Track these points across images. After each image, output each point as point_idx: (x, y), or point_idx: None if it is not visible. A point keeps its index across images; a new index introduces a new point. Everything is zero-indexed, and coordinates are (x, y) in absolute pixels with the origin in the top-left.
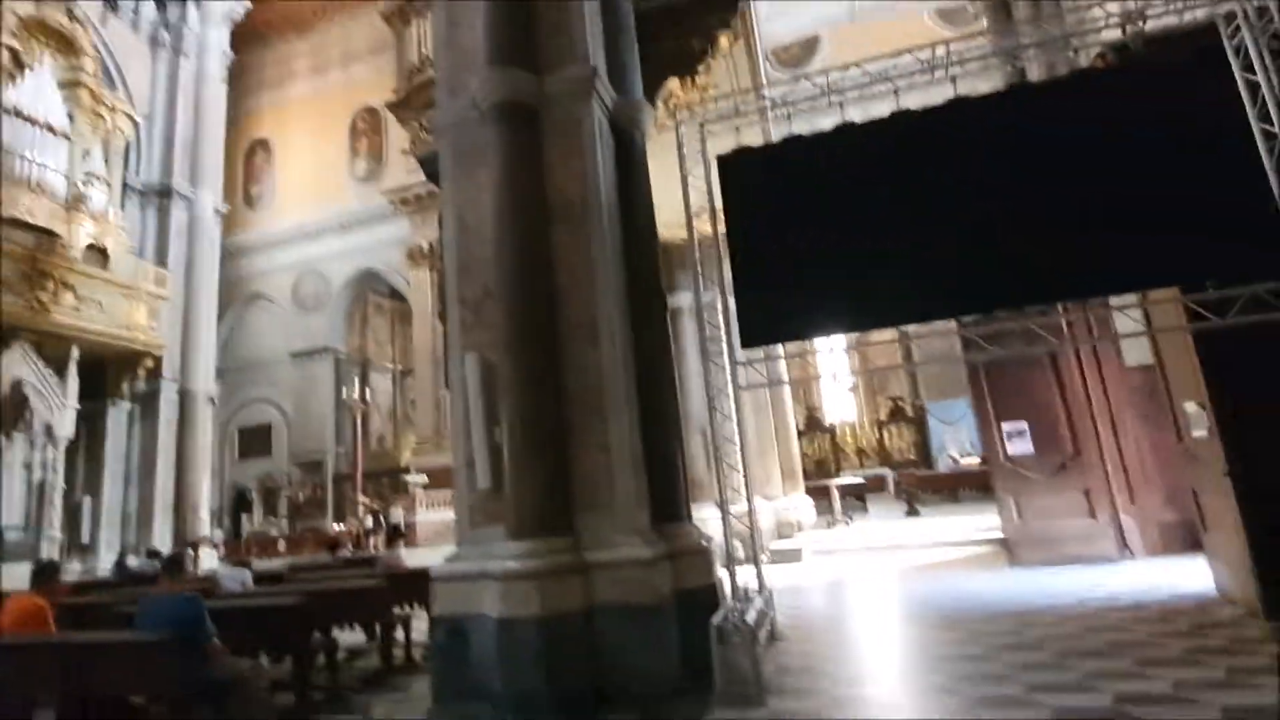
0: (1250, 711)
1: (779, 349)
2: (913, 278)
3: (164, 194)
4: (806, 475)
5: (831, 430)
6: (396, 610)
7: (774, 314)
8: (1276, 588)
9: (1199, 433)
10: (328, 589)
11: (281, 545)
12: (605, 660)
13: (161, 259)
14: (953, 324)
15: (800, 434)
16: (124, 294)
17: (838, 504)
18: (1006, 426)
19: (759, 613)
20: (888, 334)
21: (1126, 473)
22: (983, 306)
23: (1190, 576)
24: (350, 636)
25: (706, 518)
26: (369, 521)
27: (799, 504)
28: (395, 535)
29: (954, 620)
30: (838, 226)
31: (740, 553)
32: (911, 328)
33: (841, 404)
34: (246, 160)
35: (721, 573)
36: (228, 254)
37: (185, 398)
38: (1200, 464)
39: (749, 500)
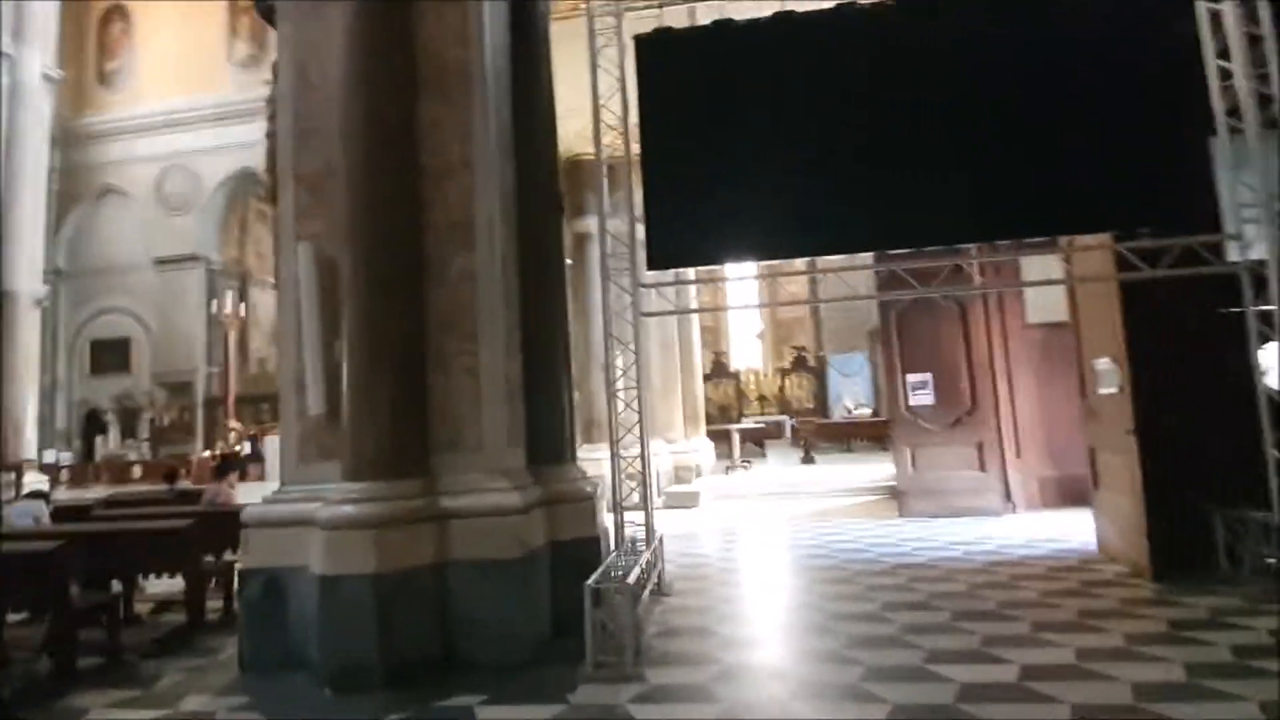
0: (1160, 688)
1: (690, 273)
2: (839, 202)
3: None
4: (710, 420)
5: (737, 376)
6: (229, 555)
7: (688, 231)
8: (1167, 549)
9: (1108, 389)
10: (115, 530)
11: (137, 472)
12: (460, 625)
13: None
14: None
15: (706, 378)
16: None
17: (737, 449)
18: (911, 378)
19: (645, 566)
20: (800, 265)
21: (1017, 428)
22: (913, 240)
23: (1069, 531)
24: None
25: (603, 458)
26: (247, 448)
27: (699, 447)
28: (226, 466)
29: (848, 574)
30: (765, 135)
31: (635, 498)
32: (824, 265)
33: (748, 351)
34: (100, 30)
35: (609, 521)
36: (75, 138)
37: (3, 299)
38: (1102, 421)
39: (643, 441)
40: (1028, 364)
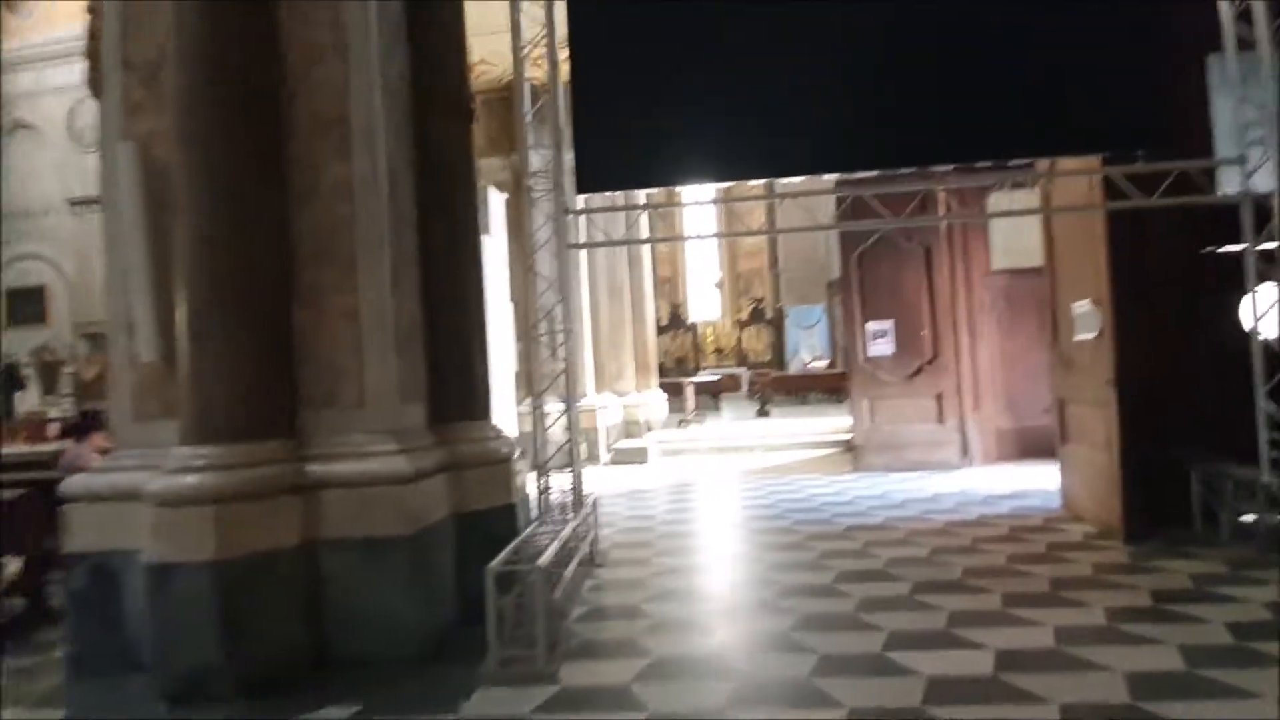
0: (1158, 681)
1: (640, 197)
2: (800, 117)
3: None
4: (668, 372)
5: (694, 328)
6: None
7: (624, 149)
8: (1141, 508)
9: (1085, 335)
10: None
11: (53, 429)
12: (337, 618)
13: None
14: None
15: (663, 329)
16: None
17: (691, 402)
18: (872, 326)
19: (571, 537)
20: (757, 190)
21: (976, 379)
22: (882, 161)
23: (1028, 486)
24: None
25: (549, 414)
26: None
27: (651, 400)
28: (88, 424)
29: (800, 537)
30: (714, 38)
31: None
32: (784, 189)
33: (707, 303)
34: None
35: (534, 486)
36: None
37: None
38: (1076, 370)
39: (568, 391)
40: (991, 312)
